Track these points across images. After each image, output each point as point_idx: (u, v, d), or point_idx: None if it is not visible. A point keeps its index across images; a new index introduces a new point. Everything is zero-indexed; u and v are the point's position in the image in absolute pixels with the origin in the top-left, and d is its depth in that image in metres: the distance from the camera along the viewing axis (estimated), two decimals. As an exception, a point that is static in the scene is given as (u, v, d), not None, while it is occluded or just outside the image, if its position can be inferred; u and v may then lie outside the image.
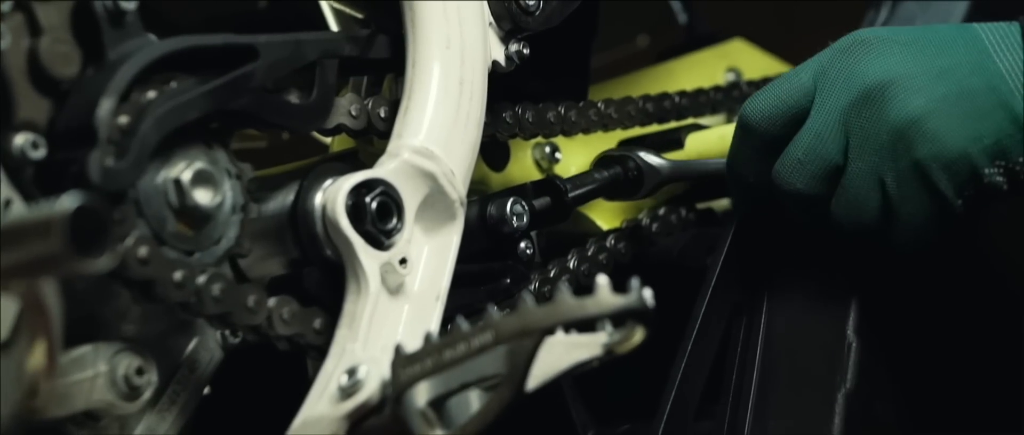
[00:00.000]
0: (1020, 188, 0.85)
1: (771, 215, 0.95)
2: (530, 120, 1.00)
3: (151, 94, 0.73)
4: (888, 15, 1.11)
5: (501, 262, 0.96)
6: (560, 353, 0.73)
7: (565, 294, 0.71)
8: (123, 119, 0.72)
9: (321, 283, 0.82)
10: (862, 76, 0.86)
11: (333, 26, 1.10)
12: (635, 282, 0.69)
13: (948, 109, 0.84)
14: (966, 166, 0.84)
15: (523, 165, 1.09)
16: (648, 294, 0.69)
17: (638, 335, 0.71)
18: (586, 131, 1.05)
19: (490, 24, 0.92)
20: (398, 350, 0.75)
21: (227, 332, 0.83)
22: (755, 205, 0.97)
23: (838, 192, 0.88)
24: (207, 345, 0.83)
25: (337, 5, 1.02)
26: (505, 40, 0.93)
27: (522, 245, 0.98)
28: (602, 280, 0.70)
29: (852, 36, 0.89)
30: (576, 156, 1.11)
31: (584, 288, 0.72)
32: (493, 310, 0.72)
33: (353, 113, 0.86)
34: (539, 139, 1.06)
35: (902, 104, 0.85)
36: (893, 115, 0.85)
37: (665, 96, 1.11)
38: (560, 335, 0.72)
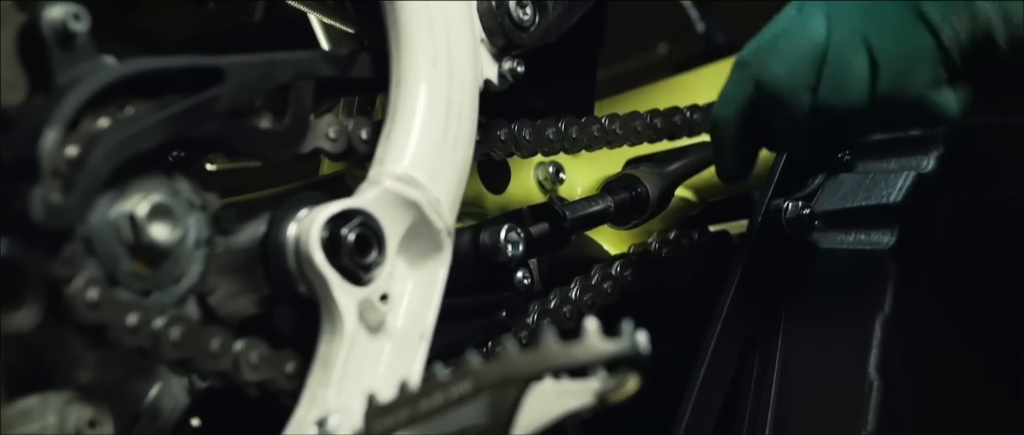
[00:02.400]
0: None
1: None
2: (527, 138, 0.93)
3: (103, 122, 0.68)
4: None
5: (496, 294, 0.90)
6: (548, 401, 0.67)
7: (550, 339, 0.65)
8: (71, 150, 0.66)
9: (294, 323, 0.76)
10: None
11: (323, 42, 1.04)
12: (627, 326, 0.63)
13: None
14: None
15: (525, 186, 1.02)
16: (642, 339, 0.63)
17: (631, 383, 0.65)
18: (589, 148, 0.99)
19: (482, 40, 0.86)
20: (371, 400, 0.69)
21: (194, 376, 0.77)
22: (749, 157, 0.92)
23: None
24: (172, 391, 0.77)
25: (327, 20, 0.97)
26: (498, 57, 0.87)
27: (519, 274, 0.92)
28: (590, 324, 0.64)
29: None
30: (582, 176, 1.05)
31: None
32: (472, 356, 0.66)
33: (331, 136, 0.80)
34: (541, 158, 0.99)
35: None
36: None
37: (675, 111, 1.04)
38: (548, 382, 0.66)
